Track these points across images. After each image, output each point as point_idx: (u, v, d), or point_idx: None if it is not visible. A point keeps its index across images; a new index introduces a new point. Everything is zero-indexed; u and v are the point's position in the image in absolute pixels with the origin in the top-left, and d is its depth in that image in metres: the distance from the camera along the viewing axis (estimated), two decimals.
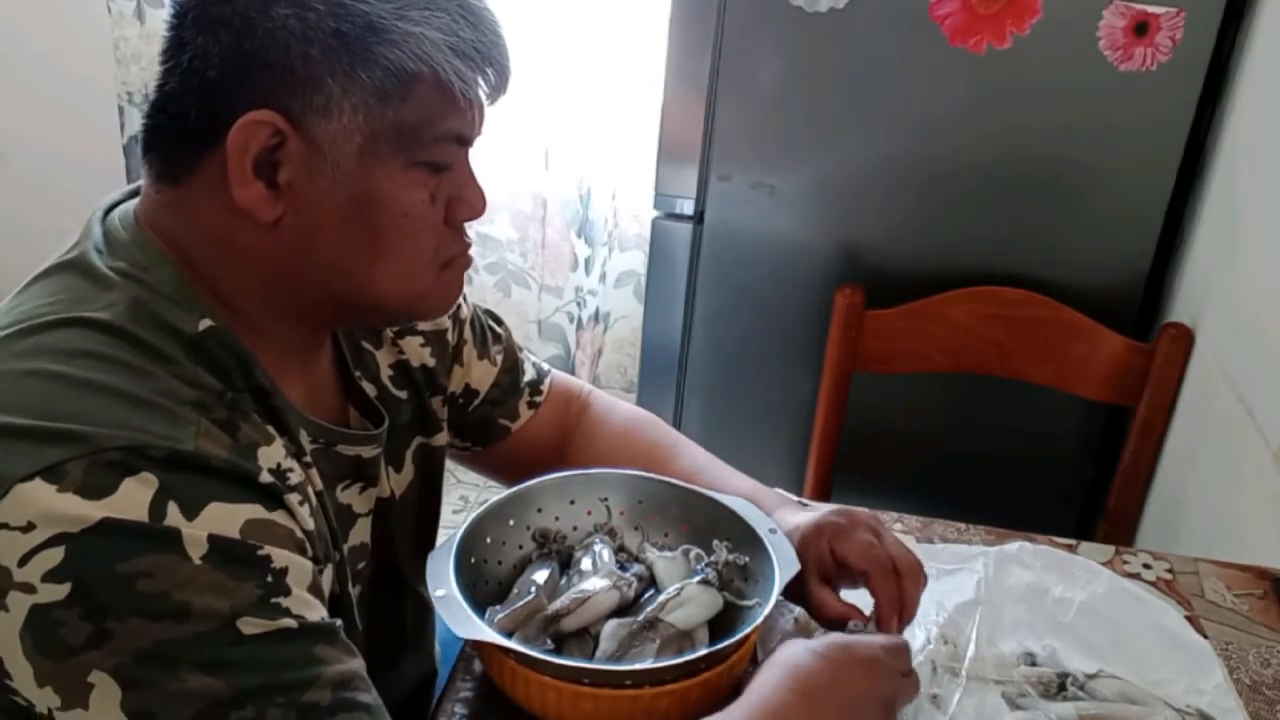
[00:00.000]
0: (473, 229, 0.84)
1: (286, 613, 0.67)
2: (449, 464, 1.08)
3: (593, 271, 2.47)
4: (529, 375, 1.12)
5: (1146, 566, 1.15)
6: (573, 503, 1.01)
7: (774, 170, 1.75)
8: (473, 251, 0.86)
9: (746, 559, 0.95)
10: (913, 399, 1.86)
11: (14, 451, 0.64)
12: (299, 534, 0.72)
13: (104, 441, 0.64)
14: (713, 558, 0.96)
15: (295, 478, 0.75)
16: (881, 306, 1.70)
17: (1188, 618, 1.07)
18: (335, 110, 0.72)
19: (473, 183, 0.81)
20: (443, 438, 1.02)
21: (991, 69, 1.62)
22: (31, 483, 0.63)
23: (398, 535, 0.96)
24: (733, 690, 0.87)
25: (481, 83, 0.77)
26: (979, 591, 1.07)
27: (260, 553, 0.67)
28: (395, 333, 0.97)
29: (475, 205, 0.82)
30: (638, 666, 0.85)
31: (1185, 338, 1.60)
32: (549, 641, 0.89)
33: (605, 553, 0.97)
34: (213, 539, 0.65)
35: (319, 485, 0.81)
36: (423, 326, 0.99)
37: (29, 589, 0.62)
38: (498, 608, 0.91)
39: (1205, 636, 1.05)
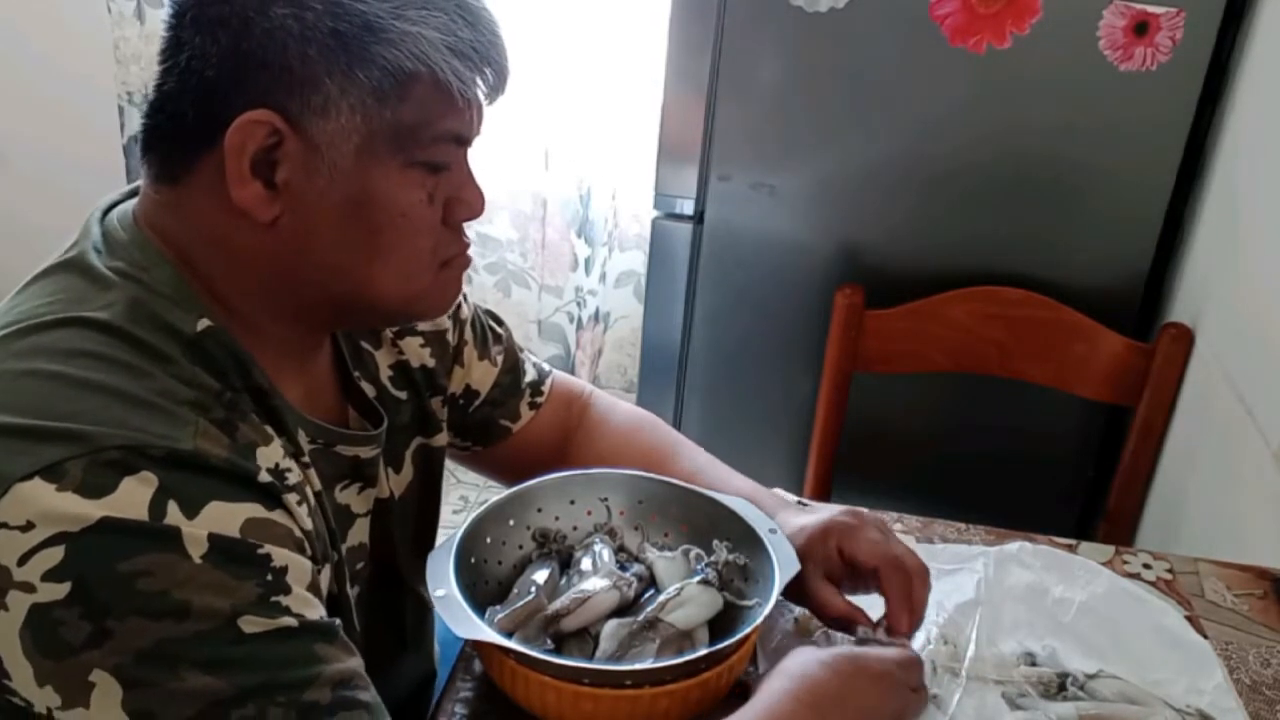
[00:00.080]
0: (472, 229, 0.84)
1: (286, 611, 0.67)
2: (449, 464, 1.07)
3: (593, 271, 2.47)
4: (530, 376, 1.12)
5: (1146, 566, 1.15)
6: (573, 503, 1.01)
7: (774, 170, 1.75)
8: (473, 251, 0.86)
9: (746, 559, 0.95)
10: (913, 399, 1.86)
11: (13, 451, 0.64)
12: (298, 533, 0.72)
13: (103, 440, 0.64)
14: (713, 558, 0.96)
15: (293, 478, 0.75)
16: (881, 306, 1.70)
17: (1188, 618, 1.07)
18: (333, 110, 0.72)
19: (471, 183, 0.81)
20: (442, 438, 1.02)
21: (991, 69, 1.62)
22: (31, 482, 0.63)
23: (397, 536, 0.96)
24: (732, 691, 0.87)
25: (480, 83, 0.76)
26: (979, 591, 1.07)
27: (260, 551, 0.67)
28: (395, 333, 0.97)
29: (474, 205, 0.81)
30: (638, 666, 0.85)
31: (1185, 338, 1.60)
32: (549, 641, 0.89)
33: (605, 553, 0.97)
34: (213, 538, 0.65)
35: (317, 485, 0.81)
36: (422, 327, 0.99)
37: (29, 588, 0.62)
38: (498, 608, 0.91)
39: (1205, 636, 1.05)
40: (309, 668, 0.68)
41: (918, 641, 0.98)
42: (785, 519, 0.99)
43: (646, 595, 0.95)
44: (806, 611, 0.98)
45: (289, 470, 0.75)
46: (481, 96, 0.78)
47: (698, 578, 0.93)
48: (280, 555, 0.68)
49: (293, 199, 0.73)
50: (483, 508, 0.97)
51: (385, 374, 0.96)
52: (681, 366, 1.91)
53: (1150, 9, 1.54)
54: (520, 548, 0.99)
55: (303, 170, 0.73)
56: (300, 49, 0.70)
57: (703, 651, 0.85)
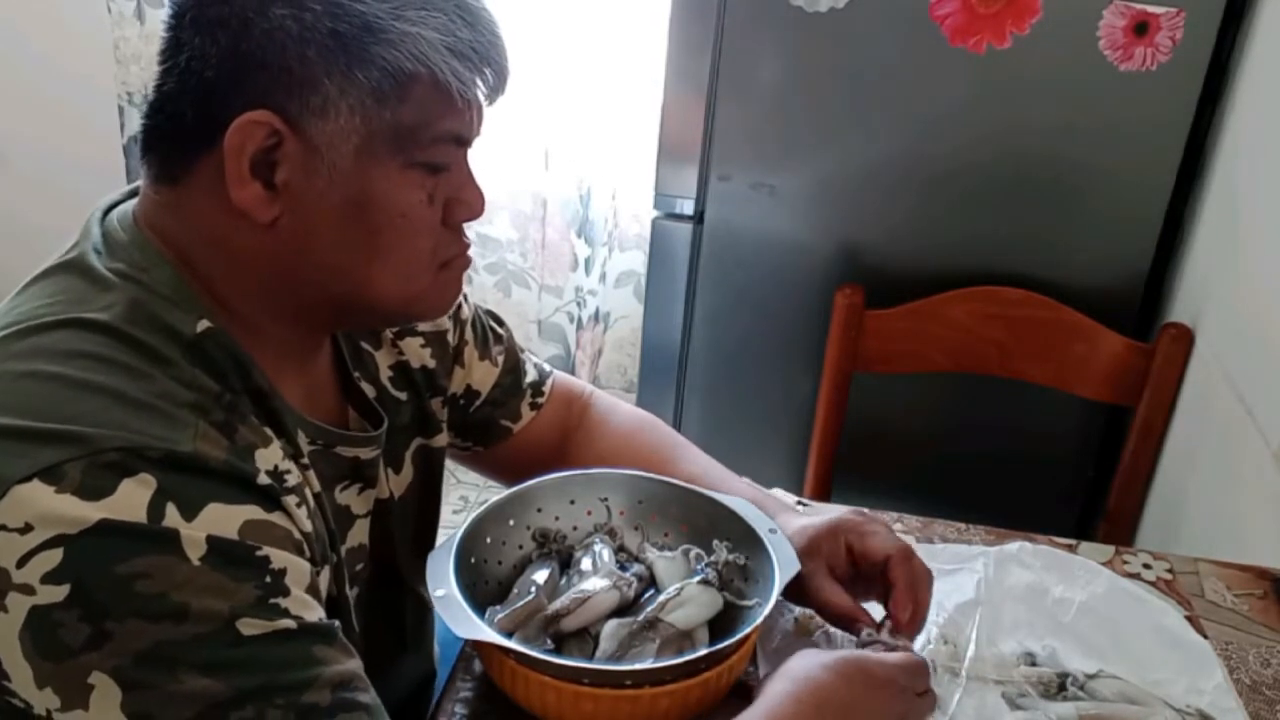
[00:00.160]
0: (472, 229, 0.84)
1: (285, 613, 0.67)
2: (449, 464, 1.07)
3: (593, 271, 2.47)
4: (531, 376, 1.12)
5: (1146, 566, 1.15)
6: (573, 503, 1.01)
7: (774, 170, 1.75)
8: (473, 251, 0.86)
9: (746, 559, 0.95)
10: (913, 399, 1.86)
11: (12, 453, 0.64)
12: (297, 535, 0.72)
13: (102, 442, 0.64)
14: (713, 558, 0.96)
15: (293, 480, 0.75)
16: (881, 306, 1.70)
17: (1188, 618, 1.07)
18: (332, 111, 0.72)
19: (471, 183, 0.81)
20: (442, 439, 1.02)
21: (991, 69, 1.62)
22: (30, 484, 0.63)
23: (397, 536, 0.96)
24: (732, 691, 0.87)
25: (479, 83, 0.76)
26: (979, 591, 1.07)
27: (259, 553, 0.67)
28: (395, 334, 0.97)
29: (474, 206, 0.81)
30: (638, 666, 0.85)
31: (1185, 338, 1.60)
32: (549, 641, 0.89)
33: (605, 553, 0.97)
34: (211, 540, 0.65)
35: (317, 487, 0.81)
36: (423, 327, 0.99)
37: (28, 590, 0.62)
38: (498, 608, 0.91)
39: (1205, 636, 1.05)
40: (308, 670, 0.67)
41: (918, 641, 0.98)
42: (786, 521, 0.99)
43: (646, 595, 0.95)
44: (807, 611, 0.98)
45: (288, 472, 0.75)
46: (481, 97, 0.78)
47: (698, 578, 0.93)
48: (279, 557, 0.68)
49: (292, 200, 0.73)
50: (483, 508, 0.97)
51: (385, 374, 0.95)
52: (681, 366, 1.91)
53: (1150, 9, 1.54)
54: (520, 548, 0.99)
55: (302, 171, 0.73)
56: (299, 50, 0.70)
57: (703, 651, 0.85)
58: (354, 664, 0.72)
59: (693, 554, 0.97)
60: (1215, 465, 1.49)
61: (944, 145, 1.69)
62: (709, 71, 1.71)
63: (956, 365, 1.73)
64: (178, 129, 0.73)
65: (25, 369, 0.68)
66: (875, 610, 0.94)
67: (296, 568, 0.70)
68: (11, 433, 0.65)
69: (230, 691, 0.64)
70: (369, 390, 0.93)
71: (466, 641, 0.93)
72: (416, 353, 0.98)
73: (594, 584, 0.92)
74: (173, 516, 0.64)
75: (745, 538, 0.95)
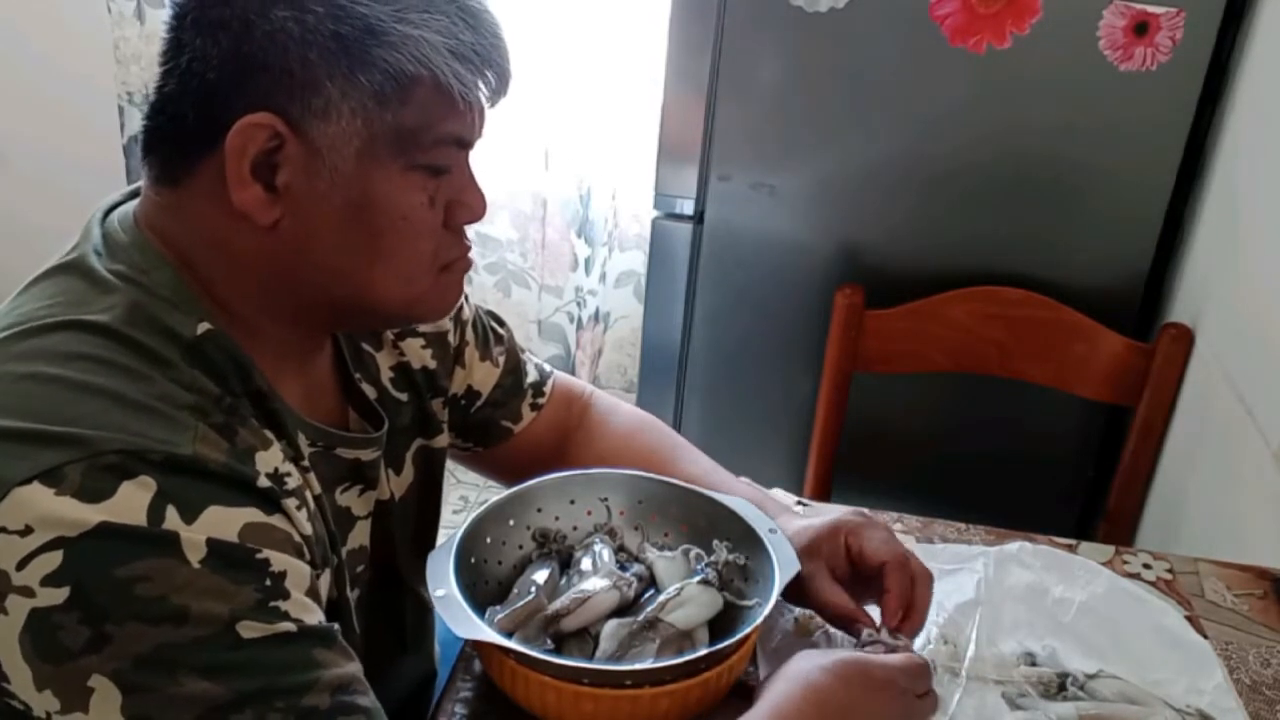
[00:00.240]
0: (472, 229, 0.84)
1: (285, 616, 0.67)
2: (449, 464, 1.07)
3: (593, 271, 2.47)
4: (531, 377, 1.12)
5: (1146, 566, 1.15)
6: (573, 503, 1.01)
7: (774, 170, 1.75)
8: (473, 251, 0.86)
9: (746, 559, 0.95)
10: (913, 399, 1.86)
11: (12, 455, 0.64)
12: (296, 538, 0.72)
13: (102, 445, 0.64)
14: (713, 558, 0.96)
15: (293, 482, 0.75)
16: (881, 306, 1.70)
17: (1188, 618, 1.07)
18: (334, 113, 0.72)
19: (473, 186, 0.81)
20: (443, 440, 1.02)
21: (991, 69, 1.62)
22: (29, 486, 0.63)
23: (397, 537, 0.96)
24: (732, 691, 0.87)
25: (481, 85, 0.76)
26: (979, 591, 1.07)
27: (259, 556, 0.67)
28: (396, 334, 0.97)
29: (475, 208, 0.81)
30: (638, 666, 0.85)
31: (1185, 338, 1.60)
32: (549, 641, 0.89)
33: (605, 553, 0.97)
34: (211, 543, 0.65)
35: (317, 489, 0.81)
36: (423, 328, 0.99)
37: (28, 592, 0.62)
38: (498, 608, 0.91)
39: (1205, 636, 1.05)
40: (307, 673, 0.68)
41: (918, 642, 0.98)
42: (786, 521, 0.99)
43: (646, 595, 0.95)
44: (807, 611, 0.98)
45: (288, 475, 0.75)
46: (483, 99, 0.78)
47: (698, 578, 0.93)
48: (279, 560, 0.68)
49: (293, 202, 0.73)
50: (483, 508, 0.97)
51: (386, 375, 0.95)
52: (681, 366, 1.91)
53: (1150, 9, 1.54)
54: (520, 548, 0.99)
55: (304, 173, 0.73)
56: (301, 52, 0.70)
57: (703, 651, 0.85)
58: (354, 667, 0.72)
59: (693, 554, 0.97)
60: (1215, 465, 1.50)
61: (944, 145, 1.69)
62: (709, 71, 1.71)
63: (956, 365, 1.73)
64: (179, 131, 0.73)
65: (25, 371, 0.68)
66: (875, 612, 0.94)
67: (296, 570, 0.70)
68: (12, 435, 0.65)
69: (230, 694, 0.64)
70: (370, 391, 0.93)
71: (466, 641, 0.93)
72: (417, 353, 0.98)
73: (594, 584, 0.92)
74: (173, 519, 0.64)
75: (745, 538, 0.95)
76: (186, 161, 0.74)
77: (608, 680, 0.83)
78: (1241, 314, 1.49)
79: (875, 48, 1.65)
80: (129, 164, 2.53)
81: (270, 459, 0.73)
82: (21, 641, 0.62)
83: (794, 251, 1.80)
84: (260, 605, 0.66)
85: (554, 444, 1.13)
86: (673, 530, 1.01)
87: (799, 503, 1.16)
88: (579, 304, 2.52)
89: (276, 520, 0.70)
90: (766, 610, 0.87)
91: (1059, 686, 0.97)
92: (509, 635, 0.87)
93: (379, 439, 0.89)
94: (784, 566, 0.91)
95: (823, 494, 1.77)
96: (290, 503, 0.72)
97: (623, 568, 0.96)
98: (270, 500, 0.71)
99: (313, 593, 0.72)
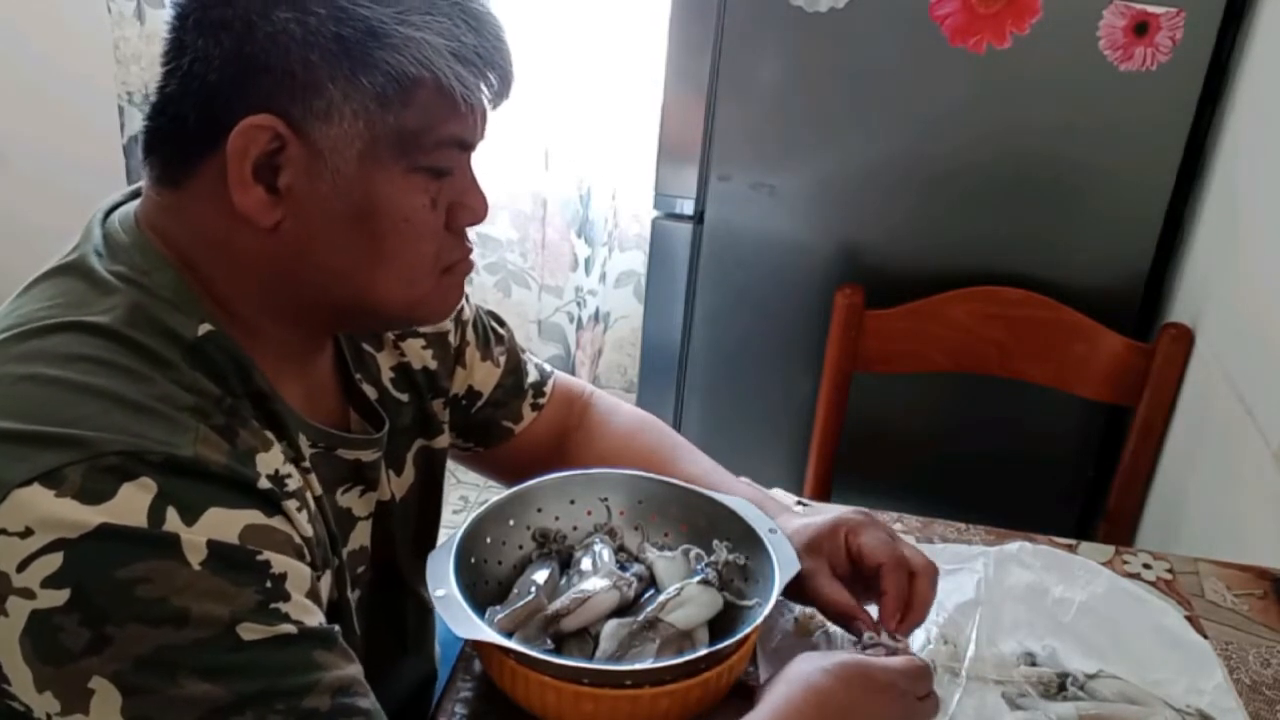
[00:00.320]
0: (472, 230, 0.84)
1: (286, 618, 0.67)
2: (449, 464, 1.08)
3: (593, 271, 2.47)
4: (532, 377, 1.12)
5: (1146, 566, 1.15)
6: (573, 503, 1.01)
7: (774, 170, 1.75)
8: (473, 252, 0.86)
9: (746, 559, 0.95)
10: (913, 399, 1.86)
11: (12, 456, 0.64)
12: (297, 540, 0.72)
13: (102, 446, 0.64)
14: (713, 558, 0.96)
15: (293, 484, 0.75)
16: (881, 306, 1.70)
17: (1188, 618, 1.07)
18: (336, 115, 0.71)
19: (475, 188, 0.81)
20: (444, 440, 1.02)
21: (991, 69, 1.62)
22: (30, 488, 0.63)
23: (398, 537, 0.96)
24: (732, 691, 0.87)
25: (483, 88, 0.76)
26: (979, 591, 1.07)
27: (259, 558, 0.67)
28: (396, 335, 0.97)
29: (477, 210, 0.81)
30: (638, 666, 0.85)
31: (1185, 338, 1.60)
32: (549, 641, 0.89)
33: (605, 553, 0.97)
34: (212, 544, 0.65)
35: (318, 490, 0.81)
36: (424, 329, 0.99)
37: (28, 594, 0.62)
38: (498, 608, 0.91)
39: (1205, 636, 1.05)
40: (308, 675, 0.68)
41: (917, 642, 0.98)
42: (786, 520, 0.99)
43: (646, 595, 0.95)
44: (807, 611, 0.98)
45: (289, 476, 0.75)
46: (485, 102, 0.78)
47: (698, 578, 0.93)
48: (279, 562, 0.68)
49: (295, 204, 0.73)
50: (483, 508, 0.97)
51: (387, 376, 0.95)
52: (681, 366, 1.92)
53: (1150, 9, 1.54)
54: (520, 548, 0.99)
55: (305, 175, 0.73)
56: (303, 54, 0.70)
57: (703, 651, 0.85)
58: (354, 669, 0.72)
59: (693, 554, 0.97)
60: (1215, 465, 1.50)
61: (944, 145, 1.69)
62: (709, 71, 1.71)
63: (956, 365, 1.73)
64: (180, 131, 0.73)
65: (25, 372, 0.68)
66: (876, 611, 0.94)
67: (297, 572, 0.70)
68: (11, 436, 0.65)
69: (230, 696, 0.64)
70: (371, 392, 0.93)
71: (466, 641, 0.93)
72: (418, 354, 0.98)
73: (594, 584, 0.92)
74: (173, 521, 0.64)
75: (745, 538, 0.95)
76: (188, 162, 0.74)
77: (608, 680, 0.83)
78: (1241, 314, 1.49)
79: (875, 48, 1.65)
80: (129, 164, 2.53)
81: (271, 460, 0.73)
82: (22, 643, 0.62)
83: (794, 251, 1.80)
84: (261, 607, 0.66)
85: (554, 444, 1.13)
86: (673, 530, 1.01)
87: (799, 503, 1.16)
88: (579, 304, 2.52)
89: (277, 522, 0.70)
90: (766, 610, 0.87)
91: (1059, 686, 0.97)
92: (509, 635, 0.87)
93: (380, 440, 0.89)
94: (784, 566, 0.91)
95: (823, 494, 1.77)
96: (291, 504, 0.72)
97: (623, 568, 0.96)
98: (271, 502, 0.71)
99: (313, 594, 0.72)
